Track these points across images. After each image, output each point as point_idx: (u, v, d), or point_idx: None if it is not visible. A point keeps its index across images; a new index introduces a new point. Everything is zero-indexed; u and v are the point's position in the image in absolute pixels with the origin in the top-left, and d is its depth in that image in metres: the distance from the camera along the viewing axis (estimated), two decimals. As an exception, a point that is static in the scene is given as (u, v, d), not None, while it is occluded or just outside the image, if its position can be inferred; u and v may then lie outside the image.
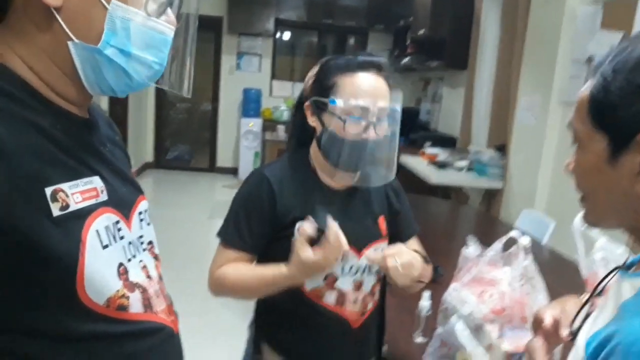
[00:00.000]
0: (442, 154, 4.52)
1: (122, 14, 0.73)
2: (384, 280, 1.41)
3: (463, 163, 4.27)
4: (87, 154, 0.80)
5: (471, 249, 1.36)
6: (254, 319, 1.45)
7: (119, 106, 6.04)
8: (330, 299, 1.30)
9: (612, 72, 0.69)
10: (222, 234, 1.33)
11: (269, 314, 1.37)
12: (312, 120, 1.31)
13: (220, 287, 1.32)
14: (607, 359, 0.64)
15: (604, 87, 0.70)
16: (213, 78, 7.82)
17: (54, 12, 0.71)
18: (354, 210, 1.34)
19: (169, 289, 0.94)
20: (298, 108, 1.37)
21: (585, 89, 0.74)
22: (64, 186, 0.72)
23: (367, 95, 1.24)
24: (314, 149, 1.34)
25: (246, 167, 7.50)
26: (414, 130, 5.74)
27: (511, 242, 1.32)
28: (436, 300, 1.49)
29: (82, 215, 0.74)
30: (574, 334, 0.82)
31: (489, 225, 3.38)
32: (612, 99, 0.69)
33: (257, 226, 1.30)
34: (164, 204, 6.32)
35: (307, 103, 1.32)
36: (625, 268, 0.78)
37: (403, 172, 4.40)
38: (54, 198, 0.70)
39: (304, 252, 1.14)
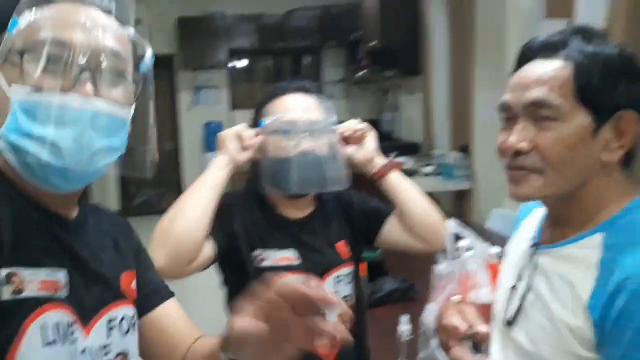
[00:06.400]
0: (408, 162, 4.47)
1: (18, 96, 0.68)
2: (360, 305, 1.36)
3: (429, 168, 4.23)
4: (58, 249, 0.75)
5: (442, 266, 1.28)
6: None
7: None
8: None
9: (591, 57, 0.80)
10: None
11: None
12: None
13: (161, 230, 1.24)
14: (629, 302, 0.72)
15: (588, 70, 0.80)
16: (169, 116, 7.67)
17: None
18: (310, 239, 1.31)
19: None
20: None
21: (562, 68, 0.82)
22: (24, 272, 0.69)
23: (292, 110, 1.23)
24: None
25: (217, 201, 7.37)
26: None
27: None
28: (416, 322, 1.41)
29: (33, 305, 0.69)
30: (510, 322, 0.92)
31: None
32: (596, 82, 0.79)
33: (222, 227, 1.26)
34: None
35: None
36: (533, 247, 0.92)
37: (373, 185, 4.33)
38: (9, 280, 0.67)
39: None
